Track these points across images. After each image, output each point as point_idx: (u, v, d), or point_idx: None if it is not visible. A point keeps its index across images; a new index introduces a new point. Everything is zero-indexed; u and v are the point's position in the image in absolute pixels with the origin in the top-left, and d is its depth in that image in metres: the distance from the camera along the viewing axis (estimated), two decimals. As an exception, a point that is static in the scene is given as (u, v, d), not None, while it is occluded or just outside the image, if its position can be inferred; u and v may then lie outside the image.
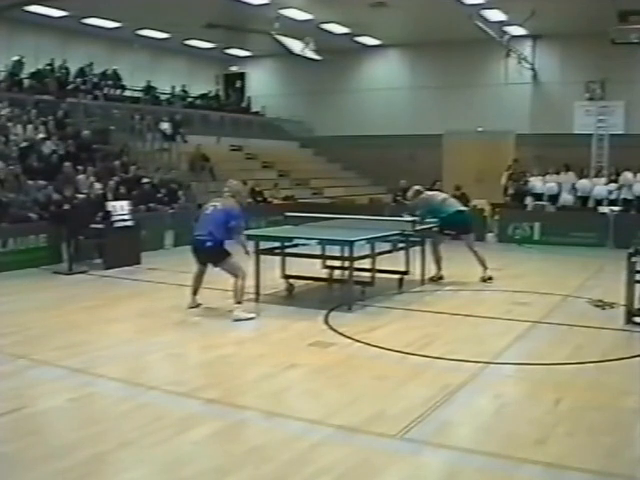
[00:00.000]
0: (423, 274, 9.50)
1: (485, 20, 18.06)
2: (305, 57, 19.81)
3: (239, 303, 7.48)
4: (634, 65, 18.94)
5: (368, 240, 8.16)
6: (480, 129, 21.29)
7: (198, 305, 7.91)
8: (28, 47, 19.14)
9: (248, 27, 20.05)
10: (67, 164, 13.24)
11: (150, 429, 4.36)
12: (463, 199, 16.29)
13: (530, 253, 13.77)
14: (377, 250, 8.43)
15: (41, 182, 12.63)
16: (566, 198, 16.89)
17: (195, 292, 7.93)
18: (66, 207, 11.45)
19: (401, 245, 9.30)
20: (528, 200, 17.06)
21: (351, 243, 7.84)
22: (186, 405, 4.84)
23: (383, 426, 4.42)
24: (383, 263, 8.84)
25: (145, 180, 14.74)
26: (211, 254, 7.55)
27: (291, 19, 18.71)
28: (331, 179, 22.51)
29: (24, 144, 14.12)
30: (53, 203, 11.83)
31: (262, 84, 26.04)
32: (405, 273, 9.35)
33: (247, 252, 7.80)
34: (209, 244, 7.48)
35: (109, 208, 11.33)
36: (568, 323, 7.32)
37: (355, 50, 23.45)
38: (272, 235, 9.06)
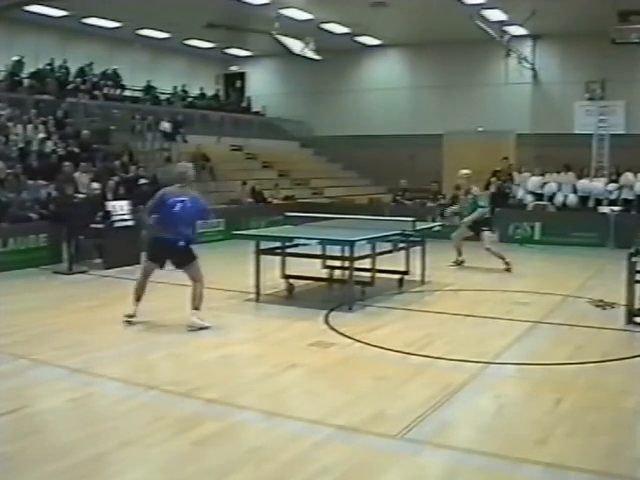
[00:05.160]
0: (423, 274, 9.49)
1: (485, 20, 18.06)
2: (305, 57, 19.82)
3: (197, 309, 7.05)
4: (634, 65, 18.94)
5: (368, 240, 8.16)
6: (480, 129, 21.29)
7: (134, 316, 7.17)
8: (28, 47, 19.14)
9: (248, 27, 20.06)
10: (67, 164, 13.23)
11: (150, 429, 4.36)
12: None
13: (531, 253, 13.76)
14: (377, 250, 8.43)
15: (41, 182, 12.64)
16: (559, 199, 16.84)
17: (139, 299, 7.19)
18: (66, 207, 11.45)
19: (401, 245, 9.31)
20: (528, 199, 17.04)
21: (352, 243, 7.83)
22: (186, 405, 4.84)
23: (383, 426, 4.41)
24: (383, 263, 8.84)
25: (144, 180, 14.74)
26: (183, 254, 7.10)
27: (291, 19, 18.72)
28: (331, 179, 22.50)
29: (23, 144, 14.13)
30: (53, 203, 11.83)
31: (262, 84, 26.04)
32: (405, 273, 9.35)
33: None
34: (182, 243, 7.03)
35: (109, 208, 11.33)
36: (569, 323, 7.32)
37: (355, 50, 23.45)
38: (272, 235, 9.06)
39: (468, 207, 11.02)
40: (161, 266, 7.28)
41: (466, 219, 11.02)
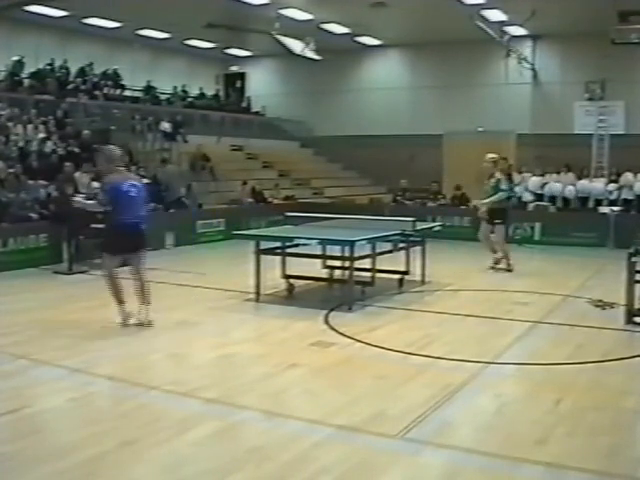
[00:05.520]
0: (423, 274, 9.50)
1: (485, 20, 18.07)
2: (305, 57, 19.83)
3: (149, 304, 7.05)
4: (634, 65, 18.94)
5: (369, 240, 8.16)
6: (480, 129, 21.29)
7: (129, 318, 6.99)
8: (28, 47, 19.14)
9: (248, 27, 20.06)
10: (68, 164, 13.24)
11: (150, 429, 4.36)
12: (463, 199, 16.38)
13: (531, 253, 13.75)
14: (377, 250, 8.43)
15: (41, 182, 12.65)
16: (557, 189, 16.86)
17: (123, 301, 6.98)
18: (66, 207, 11.46)
19: (401, 245, 9.31)
20: (527, 197, 17.04)
21: (352, 243, 7.84)
22: (186, 405, 4.84)
23: (383, 426, 4.41)
24: (383, 263, 8.84)
25: (145, 180, 14.73)
26: (143, 238, 7.05)
27: (291, 19, 18.72)
28: (331, 179, 22.50)
29: (24, 144, 14.13)
30: (53, 203, 11.84)
31: (262, 84, 26.05)
32: (405, 273, 9.35)
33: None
34: (143, 226, 6.99)
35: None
36: (568, 323, 7.32)
37: (355, 50, 23.46)
38: (272, 235, 9.06)
39: (490, 191, 10.79)
40: (125, 254, 7.08)
41: (485, 200, 10.78)
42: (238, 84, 26.38)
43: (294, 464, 3.87)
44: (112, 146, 7.67)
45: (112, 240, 7.04)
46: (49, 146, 14.59)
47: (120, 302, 7.01)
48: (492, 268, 10.91)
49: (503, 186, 10.78)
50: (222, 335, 6.85)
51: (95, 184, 12.89)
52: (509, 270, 10.68)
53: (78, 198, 7.90)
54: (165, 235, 13.58)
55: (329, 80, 23.76)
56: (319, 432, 4.31)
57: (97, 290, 9.43)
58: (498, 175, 10.86)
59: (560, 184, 17.01)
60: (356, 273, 8.21)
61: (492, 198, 10.67)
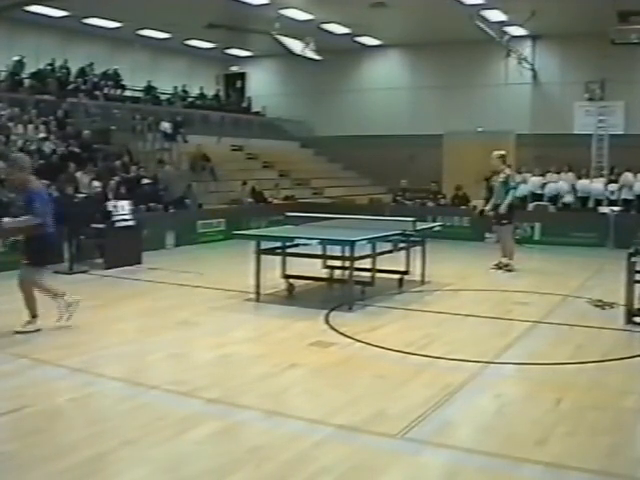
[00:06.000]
0: (423, 274, 9.50)
1: (485, 20, 18.08)
2: (305, 57, 19.86)
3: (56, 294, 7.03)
4: (634, 65, 18.96)
5: (369, 240, 8.17)
6: (480, 129, 21.29)
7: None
8: (29, 47, 19.20)
9: (248, 27, 20.09)
10: (71, 165, 13.25)
11: (151, 429, 4.36)
12: (463, 199, 16.38)
13: (531, 253, 13.74)
14: (377, 250, 8.44)
15: (41, 181, 12.63)
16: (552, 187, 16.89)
17: (36, 315, 6.81)
18: (67, 207, 11.45)
19: (401, 245, 9.32)
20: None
21: (352, 243, 7.84)
22: (187, 405, 4.84)
23: (383, 426, 4.42)
24: (383, 263, 8.85)
25: (147, 180, 14.78)
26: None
27: (291, 19, 18.75)
28: (331, 179, 22.52)
29: (24, 144, 14.14)
30: (54, 203, 11.84)
31: (262, 84, 26.08)
32: (405, 273, 9.36)
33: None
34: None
35: (110, 208, 11.34)
36: (568, 323, 7.32)
37: (355, 50, 23.48)
38: (273, 235, 9.07)
39: (500, 187, 10.57)
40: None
41: (503, 204, 10.46)
42: (238, 84, 26.42)
43: (294, 464, 3.87)
44: (21, 154, 7.54)
45: (44, 252, 6.83)
46: (49, 146, 14.59)
47: (35, 315, 6.87)
48: (499, 268, 10.77)
49: (513, 183, 10.68)
50: (222, 335, 6.84)
51: (96, 183, 12.93)
52: (510, 270, 10.67)
53: (7, 219, 7.22)
54: (165, 235, 13.57)
55: (329, 80, 23.78)
56: (319, 432, 4.32)
57: (98, 290, 9.48)
58: (508, 171, 10.77)
59: (561, 182, 16.99)
60: (356, 273, 8.22)
61: (507, 200, 10.45)
